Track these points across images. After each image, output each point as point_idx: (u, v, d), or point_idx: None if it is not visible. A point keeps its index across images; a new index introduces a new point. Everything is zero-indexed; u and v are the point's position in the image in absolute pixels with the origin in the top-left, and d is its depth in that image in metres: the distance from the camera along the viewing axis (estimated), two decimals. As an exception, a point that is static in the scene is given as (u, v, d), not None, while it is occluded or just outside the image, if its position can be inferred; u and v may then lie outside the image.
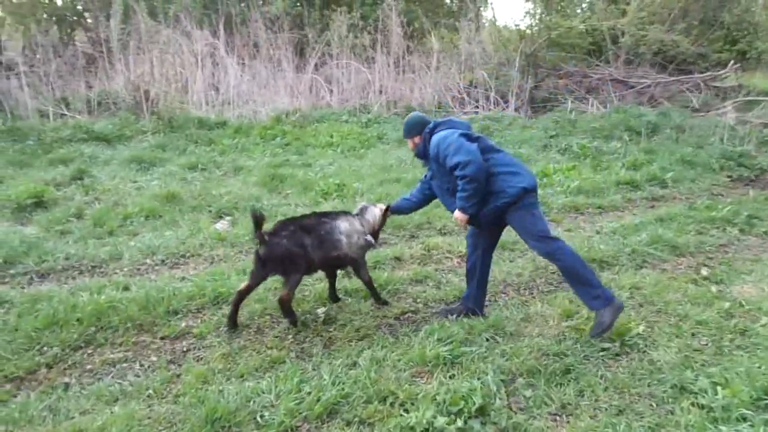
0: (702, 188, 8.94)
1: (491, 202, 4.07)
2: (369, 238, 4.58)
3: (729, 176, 9.75)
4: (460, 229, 6.52)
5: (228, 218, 6.77)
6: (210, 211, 6.98)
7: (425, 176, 4.64)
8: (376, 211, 4.71)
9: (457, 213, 4.13)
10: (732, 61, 16.54)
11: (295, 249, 4.14)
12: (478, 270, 4.45)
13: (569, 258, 3.96)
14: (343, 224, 4.44)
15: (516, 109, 13.54)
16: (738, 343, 4.04)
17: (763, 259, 5.84)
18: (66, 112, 11.44)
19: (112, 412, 3.22)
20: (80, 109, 11.67)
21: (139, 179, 8.15)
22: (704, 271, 5.42)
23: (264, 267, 4.19)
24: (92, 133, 10.21)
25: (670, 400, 3.35)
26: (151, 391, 3.44)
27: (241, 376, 3.60)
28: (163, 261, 5.59)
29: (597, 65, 16.63)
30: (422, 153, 4.40)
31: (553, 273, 5.39)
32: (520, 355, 3.71)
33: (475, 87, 14.16)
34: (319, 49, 13.80)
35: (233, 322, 4.29)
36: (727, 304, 4.59)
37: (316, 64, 13.88)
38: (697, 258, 5.89)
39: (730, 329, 4.22)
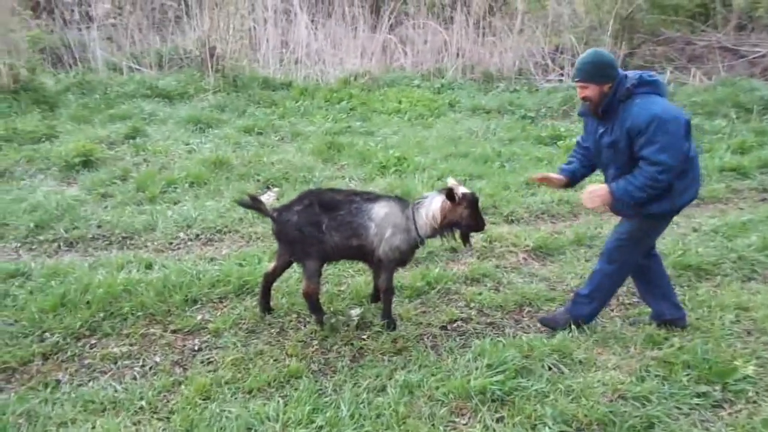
0: (823, 181, 7.61)
1: (656, 201, 3.37)
2: (415, 237, 3.56)
3: None
4: (529, 218, 5.71)
5: (275, 190, 6.24)
6: (258, 181, 6.47)
7: (581, 138, 3.83)
8: (435, 205, 3.51)
9: (606, 193, 3.37)
10: None
11: (307, 229, 3.47)
12: (654, 273, 3.76)
13: (618, 275, 3.67)
14: (378, 210, 3.51)
15: (606, 79, 12.22)
16: None
17: None
18: (138, 67, 11.27)
19: (93, 427, 2.75)
20: (151, 64, 11.47)
21: (192, 141, 7.76)
22: (832, 292, 4.39)
23: (282, 247, 3.67)
24: (156, 90, 9.96)
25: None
26: (143, 403, 2.96)
27: (250, 392, 3.06)
28: (197, 236, 5.14)
29: (703, 31, 14.83)
30: (607, 106, 3.33)
31: (638, 280, 4.53)
32: (590, 395, 2.93)
33: (561, 53, 12.90)
34: (395, 7, 12.95)
35: (265, 307, 3.85)
36: None
37: (391, 24, 13.08)
38: (820, 272, 4.83)
39: None
